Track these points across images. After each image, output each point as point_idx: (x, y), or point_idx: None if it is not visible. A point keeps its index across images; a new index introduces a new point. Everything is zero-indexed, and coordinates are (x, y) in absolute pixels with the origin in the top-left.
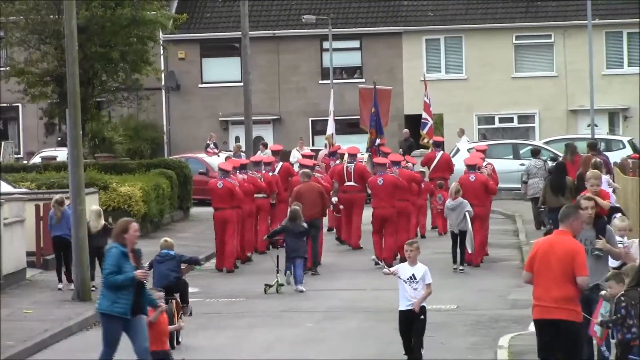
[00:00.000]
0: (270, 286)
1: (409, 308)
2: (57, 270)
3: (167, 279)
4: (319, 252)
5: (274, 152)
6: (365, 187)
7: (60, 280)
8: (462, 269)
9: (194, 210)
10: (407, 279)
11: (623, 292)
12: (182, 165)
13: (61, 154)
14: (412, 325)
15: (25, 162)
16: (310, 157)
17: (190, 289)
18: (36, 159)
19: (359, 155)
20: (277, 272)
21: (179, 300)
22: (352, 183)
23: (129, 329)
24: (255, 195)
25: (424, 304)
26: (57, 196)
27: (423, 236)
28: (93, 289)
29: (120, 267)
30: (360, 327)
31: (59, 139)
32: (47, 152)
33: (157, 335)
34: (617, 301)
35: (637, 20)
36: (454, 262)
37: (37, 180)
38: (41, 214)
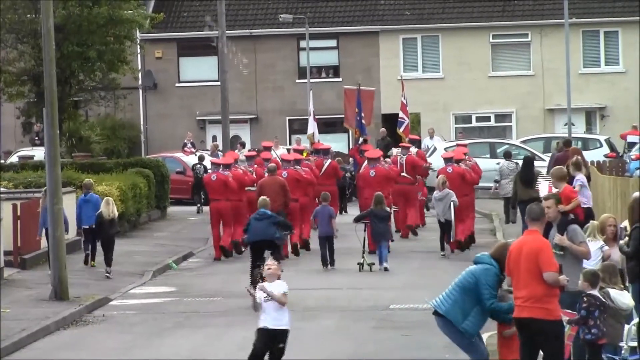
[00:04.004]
0: (362, 264)
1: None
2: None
3: (264, 234)
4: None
5: (267, 149)
6: (416, 177)
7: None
8: (445, 255)
9: (171, 209)
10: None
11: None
12: (159, 164)
13: (38, 154)
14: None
15: (2, 161)
16: (301, 151)
17: (167, 289)
18: (13, 159)
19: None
20: (364, 253)
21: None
22: (404, 174)
23: None
24: (247, 189)
25: (288, 327)
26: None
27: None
28: (108, 274)
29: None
30: (337, 326)
31: (36, 138)
32: (25, 152)
33: (513, 346)
34: (580, 301)
35: (614, 19)
36: (442, 249)
37: (15, 179)
38: (18, 214)
